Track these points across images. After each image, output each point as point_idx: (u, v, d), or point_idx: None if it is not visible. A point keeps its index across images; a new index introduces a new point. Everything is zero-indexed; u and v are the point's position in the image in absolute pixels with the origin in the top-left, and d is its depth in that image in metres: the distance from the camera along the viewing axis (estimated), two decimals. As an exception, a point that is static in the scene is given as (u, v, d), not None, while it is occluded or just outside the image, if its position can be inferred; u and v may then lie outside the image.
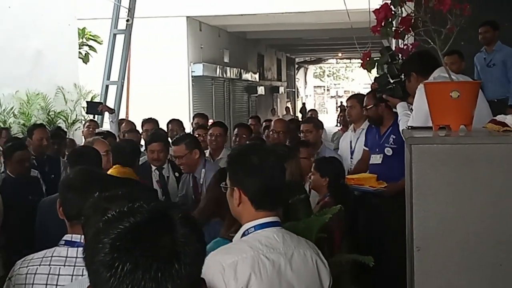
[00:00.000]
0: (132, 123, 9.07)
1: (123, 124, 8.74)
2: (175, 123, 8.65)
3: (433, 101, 3.22)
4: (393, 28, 3.52)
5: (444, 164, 2.87)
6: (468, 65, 7.75)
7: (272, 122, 7.72)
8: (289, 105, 39.67)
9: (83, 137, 8.87)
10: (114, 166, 5.31)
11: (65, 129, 11.24)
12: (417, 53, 5.04)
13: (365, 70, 5.44)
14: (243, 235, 2.45)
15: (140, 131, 8.42)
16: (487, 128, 3.22)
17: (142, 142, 7.83)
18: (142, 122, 8.61)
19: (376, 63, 3.72)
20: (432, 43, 3.30)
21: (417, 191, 2.88)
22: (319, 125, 6.93)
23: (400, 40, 10.77)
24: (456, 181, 2.86)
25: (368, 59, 3.72)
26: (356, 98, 6.82)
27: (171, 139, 6.63)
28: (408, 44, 7.62)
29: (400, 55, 8.00)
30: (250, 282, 2.31)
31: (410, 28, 3.46)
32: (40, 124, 8.14)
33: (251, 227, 2.44)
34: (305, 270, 2.44)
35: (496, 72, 7.76)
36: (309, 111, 15.88)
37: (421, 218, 2.86)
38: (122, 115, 15.01)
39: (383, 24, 3.38)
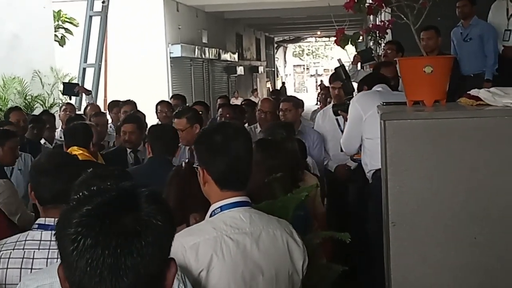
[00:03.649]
0: (98, 106, 9.06)
1: (88, 108, 8.71)
2: (179, 99, 8.90)
3: (406, 77, 3.22)
4: (366, 4, 3.51)
5: (418, 139, 2.88)
6: (445, 41, 7.76)
7: (259, 102, 7.68)
8: (268, 85, 39.62)
9: (60, 120, 8.80)
10: (69, 149, 5.10)
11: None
12: (368, 74, 6.06)
13: (344, 48, 5.52)
14: (211, 215, 2.42)
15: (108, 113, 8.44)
16: (461, 102, 3.23)
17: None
18: (110, 105, 8.59)
19: (350, 39, 3.71)
20: (405, 18, 3.30)
21: (391, 166, 2.89)
22: (299, 103, 6.90)
23: (377, 17, 10.75)
24: (430, 156, 2.87)
25: (341, 35, 3.71)
26: None
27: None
28: (385, 21, 7.62)
29: (377, 31, 8.03)
30: (212, 264, 2.28)
31: (383, 4, 3.45)
32: (15, 107, 8.12)
33: (218, 207, 2.41)
34: (274, 250, 2.40)
35: (472, 47, 7.78)
36: (273, 91, 15.79)
37: (396, 194, 2.88)
38: (100, 98, 14.91)
39: (356, 0, 3.37)
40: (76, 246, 1.32)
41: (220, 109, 7.57)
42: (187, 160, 2.93)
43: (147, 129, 5.75)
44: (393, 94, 4.78)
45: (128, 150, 6.15)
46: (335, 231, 3.37)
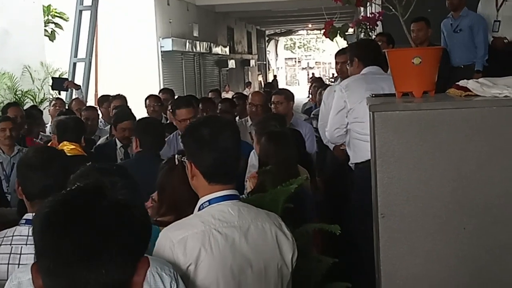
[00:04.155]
0: (82, 101, 9.07)
1: (73, 103, 8.70)
2: (168, 92, 8.99)
3: (395, 68, 3.21)
4: (355, -4, 3.50)
5: (407, 131, 2.87)
6: (436, 32, 7.77)
7: (250, 95, 7.64)
8: (260, 78, 39.57)
9: (50, 115, 8.77)
10: (60, 144, 5.10)
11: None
12: (363, 40, 5.50)
13: (335, 40, 5.49)
14: (199, 209, 2.42)
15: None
16: (450, 93, 3.22)
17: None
18: (100, 100, 8.56)
19: (339, 31, 3.70)
20: (393, 9, 3.29)
21: (380, 158, 2.88)
22: (290, 96, 6.88)
23: (367, 9, 10.73)
24: (419, 147, 2.87)
25: (330, 27, 3.70)
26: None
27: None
28: (375, 13, 7.61)
29: (368, 23, 8.02)
30: (200, 258, 2.28)
31: (372, -5, 3.44)
32: (13, 103, 8.11)
33: (206, 201, 2.40)
34: (263, 243, 2.39)
35: (462, 38, 7.77)
36: (266, 84, 15.81)
37: (385, 185, 2.87)
38: (91, 92, 14.86)
39: (344, -8, 3.36)
40: (45, 234, 1.35)
41: (200, 104, 7.53)
42: (180, 156, 2.90)
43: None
44: (381, 78, 4.64)
45: (119, 145, 6.13)
46: (327, 223, 3.38)
